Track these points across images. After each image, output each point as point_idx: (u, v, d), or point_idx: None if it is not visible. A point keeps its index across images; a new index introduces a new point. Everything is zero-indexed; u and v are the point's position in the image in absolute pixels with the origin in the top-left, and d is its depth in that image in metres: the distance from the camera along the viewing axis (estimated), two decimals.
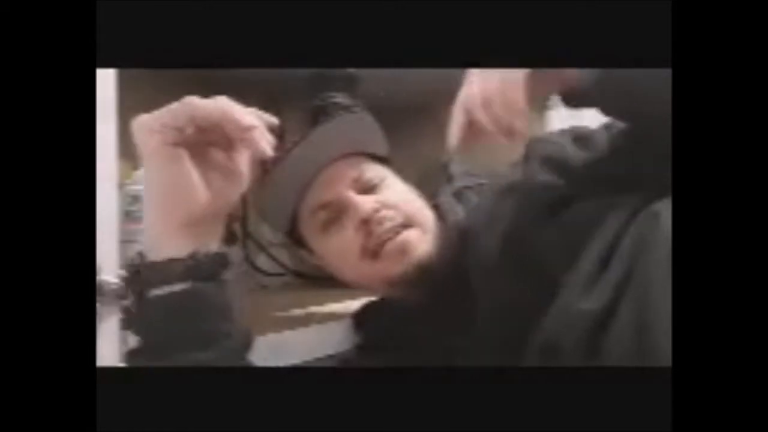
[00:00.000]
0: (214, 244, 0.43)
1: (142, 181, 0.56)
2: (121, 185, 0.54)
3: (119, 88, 0.47)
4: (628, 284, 0.46)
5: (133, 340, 0.42)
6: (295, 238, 0.65)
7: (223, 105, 0.39)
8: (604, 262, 0.48)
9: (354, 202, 0.58)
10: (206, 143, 0.41)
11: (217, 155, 0.43)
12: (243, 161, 0.43)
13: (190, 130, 0.39)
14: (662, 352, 0.41)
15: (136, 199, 0.55)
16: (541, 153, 0.58)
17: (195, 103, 0.39)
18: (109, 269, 0.46)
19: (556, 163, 0.56)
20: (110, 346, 0.47)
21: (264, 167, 0.55)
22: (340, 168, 0.60)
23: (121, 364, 0.48)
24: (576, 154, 0.56)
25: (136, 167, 0.58)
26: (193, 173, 0.41)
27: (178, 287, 0.41)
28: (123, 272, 0.43)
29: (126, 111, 0.44)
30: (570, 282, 0.49)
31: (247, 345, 0.44)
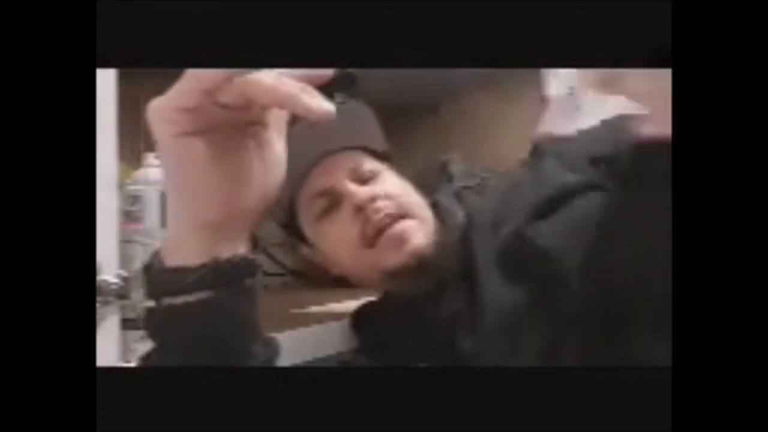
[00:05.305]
0: (241, 247, 0.37)
1: (142, 181, 0.56)
2: (121, 185, 0.54)
3: (119, 88, 0.47)
4: (621, 288, 0.46)
5: (147, 344, 0.39)
6: (292, 230, 0.65)
7: (240, 74, 0.32)
8: (604, 262, 0.48)
9: (350, 190, 0.59)
10: (234, 123, 0.34)
11: (249, 137, 0.36)
12: (279, 142, 0.37)
13: (210, 109, 0.33)
14: (651, 355, 0.41)
15: (136, 199, 0.55)
16: (554, 150, 0.58)
17: (205, 76, 0.32)
18: (109, 269, 0.46)
19: (569, 160, 0.56)
20: (110, 346, 0.47)
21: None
22: (338, 158, 0.62)
23: (123, 364, 0.48)
24: (586, 150, 0.55)
25: (136, 167, 0.58)
26: (215, 168, 0.34)
27: (193, 297, 0.35)
28: (139, 273, 0.38)
29: (126, 111, 0.44)
30: (570, 282, 0.49)
31: (271, 361, 0.41)
